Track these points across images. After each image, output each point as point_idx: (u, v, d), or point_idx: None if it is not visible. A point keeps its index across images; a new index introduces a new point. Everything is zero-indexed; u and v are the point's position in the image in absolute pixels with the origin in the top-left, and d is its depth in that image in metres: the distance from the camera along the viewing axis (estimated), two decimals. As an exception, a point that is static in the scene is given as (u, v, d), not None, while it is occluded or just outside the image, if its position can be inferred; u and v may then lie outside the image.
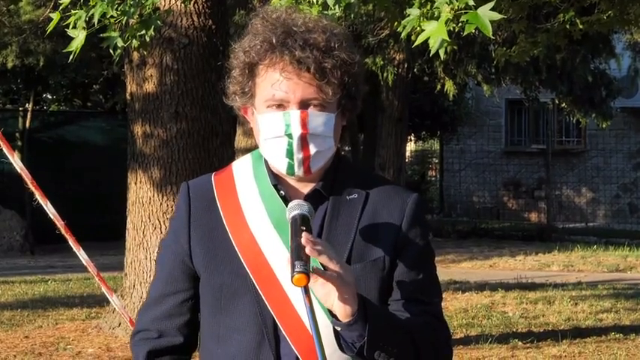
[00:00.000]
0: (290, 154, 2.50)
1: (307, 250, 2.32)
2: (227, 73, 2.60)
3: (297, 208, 2.44)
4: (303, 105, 2.49)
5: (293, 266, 2.30)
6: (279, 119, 2.49)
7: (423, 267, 2.59)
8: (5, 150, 6.29)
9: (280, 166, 2.53)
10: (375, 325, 2.39)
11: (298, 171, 2.52)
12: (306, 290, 2.33)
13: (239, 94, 2.57)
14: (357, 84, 2.56)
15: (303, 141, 2.48)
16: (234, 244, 2.55)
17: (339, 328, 2.39)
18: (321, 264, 2.38)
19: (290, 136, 2.48)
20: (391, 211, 2.58)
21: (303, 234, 2.36)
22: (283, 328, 2.51)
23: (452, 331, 9.92)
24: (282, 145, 2.50)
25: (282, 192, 2.58)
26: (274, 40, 2.49)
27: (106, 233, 18.29)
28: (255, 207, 2.58)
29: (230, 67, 2.59)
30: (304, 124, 2.47)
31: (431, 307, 2.58)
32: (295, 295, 2.49)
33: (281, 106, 2.49)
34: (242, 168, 2.66)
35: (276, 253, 2.53)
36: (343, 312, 2.36)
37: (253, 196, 2.59)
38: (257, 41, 2.51)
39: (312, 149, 2.50)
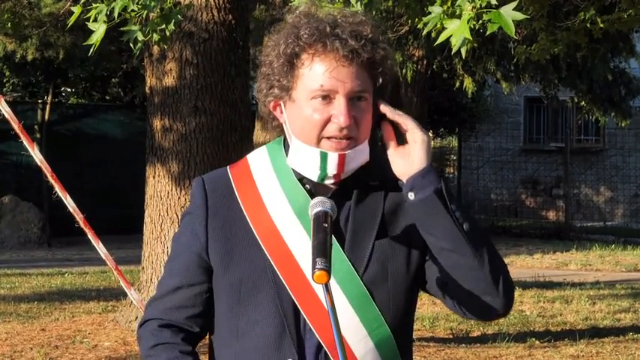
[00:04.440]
0: (322, 177, 2.53)
1: (389, 115, 2.50)
2: (259, 68, 2.57)
3: (319, 205, 2.43)
4: (350, 98, 2.46)
5: (314, 263, 2.30)
6: (316, 156, 2.50)
7: None
8: (25, 142, 6.31)
9: (311, 177, 2.56)
10: (446, 183, 2.48)
11: (328, 181, 2.54)
12: (327, 288, 2.31)
13: (277, 86, 2.52)
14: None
15: (338, 175, 2.52)
16: (256, 235, 2.53)
17: (412, 183, 2.47)
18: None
19: (324, 171, 2.51)
20: None
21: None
22: (308, 317, 2.50)
23: (469, 329, 9.94)
24: (314, 173, 2.53)
25: (307, 186, 2.57)
26: (327, 29, 2.47)
27: (123, 227, 18.31)
28: (276, 198, 2.56)
29: (264, 62, 2.55)
30: (341, 165, 2.50)
31: None
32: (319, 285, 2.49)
33: (327, 97, 2.47)
34: (258, 161, 2.63)
35: (300, 243, 2.52)
36: (422, 161, 2.47)
37: (274, 188, 2.57)
38: (305, 31, 2.47)
39: (346, 170, 2.53)
